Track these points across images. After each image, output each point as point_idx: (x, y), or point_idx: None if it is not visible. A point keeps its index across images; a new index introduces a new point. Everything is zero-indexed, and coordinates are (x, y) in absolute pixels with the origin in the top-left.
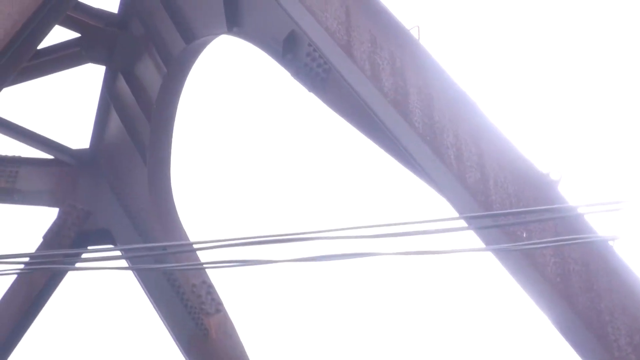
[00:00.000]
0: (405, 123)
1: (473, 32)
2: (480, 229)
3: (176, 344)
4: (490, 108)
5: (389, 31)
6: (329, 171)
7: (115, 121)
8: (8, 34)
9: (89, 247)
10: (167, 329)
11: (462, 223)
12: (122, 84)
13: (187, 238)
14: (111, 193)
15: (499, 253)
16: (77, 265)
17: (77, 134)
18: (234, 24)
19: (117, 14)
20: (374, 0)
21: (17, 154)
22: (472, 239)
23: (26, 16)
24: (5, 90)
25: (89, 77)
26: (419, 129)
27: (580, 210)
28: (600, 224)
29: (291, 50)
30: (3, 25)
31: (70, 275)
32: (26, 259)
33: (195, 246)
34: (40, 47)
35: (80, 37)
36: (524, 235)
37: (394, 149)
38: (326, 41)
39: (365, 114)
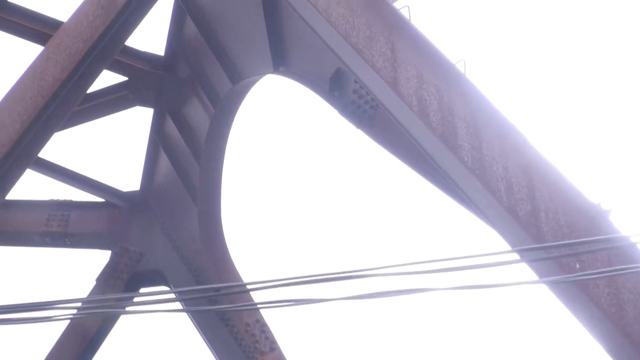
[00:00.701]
0: (454, 157)
1: (517, 63)
2: (533, 262)
3: None
4: (538, 139)
5: (434, 66)
6: (380, 208)
7: (164, 162)
8: (57, 80)
9: (142, 289)
10: None
11: (515, 256)
12: (170, 126)
13: (239, 278)
14: (163, 234)
15: (552, 285)
16: (131, 308)
17: (128, 176)
18: (280, 63)
19: (164, 56)
20: (419, 36)
21: (68, 198)
22: (525, 271)
23: (74, 62)
24: (56, 134)
25: (138, 120)
26: (468, 162)
27: (633, 240)
28: None
29: (338, 87)
30: (52, 72)
31: (123, 318)
32: (79, 304)
33: (248, 286)
34: (89, 91)
35: (127, 80)
36: (577, 266)
37: (444, 183)
38: (373, 78)
39: (413, 149)
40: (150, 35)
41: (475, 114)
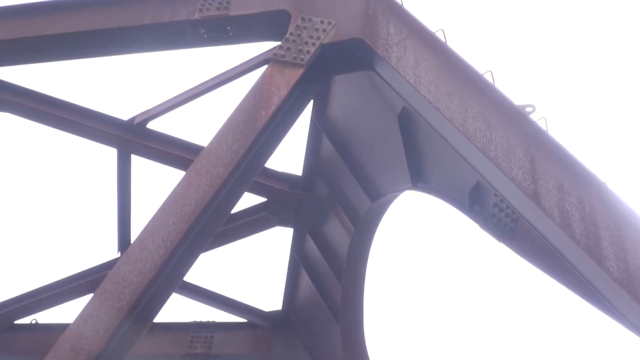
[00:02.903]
0: (600, 269)
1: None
2: None
3: None
4: None
5: (575, 176)
6: (522, 320)
7: (305, 281)
8: (199, 205)
9: None
10: None
11: None
12: (310, 245)
13: None
14: (306, 353)
15: None
16: None
17: (269, 296)
18: (419, 179)
19: (302, 176)
20: (558, 148)
21: (211, 319)
22: None
23: (215, 187)
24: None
25: (278, 240)
26: (614, 273)
27: None
28: None
29: (478, 201)
30: (193, 197)
31: None
32: None
33: None
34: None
35: (267, 201)
36: None
37: (590, 295)
38: (513, 191)
39: (557, 261)
40: (288, 155)
41: (619, 223)
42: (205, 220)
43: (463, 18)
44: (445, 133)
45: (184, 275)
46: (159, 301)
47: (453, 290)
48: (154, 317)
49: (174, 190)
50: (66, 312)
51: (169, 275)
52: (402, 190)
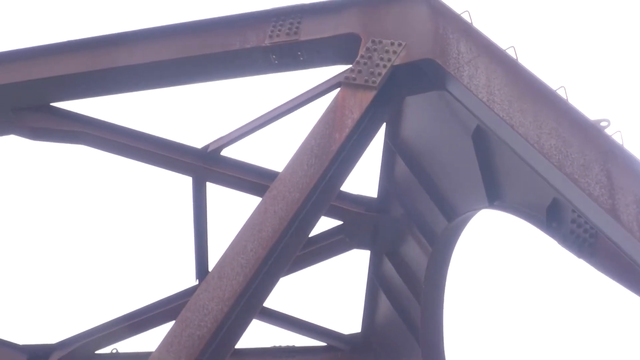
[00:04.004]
0: None
1: None
2: None
3: None
4: None
5: None
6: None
7: (384, 303)
8: (276, 230)
9: None
10: None
11: None
12: (388, 266)
13: None
14: None
15: None
16: None
17: (348, 319)
18: (495, 197)
19: (377, 198)
20: (634, 162)
21: (291, 344)
22: None
23: (292, 212)
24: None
25: (354, 262)
26: None
27: None
28: None
29: (555, 218)
30: (270, 223)
31: None
32: None
33: None
34: None
35: (343, 224)
36: None
37: None
38: (590, 206)
39: (638, 275)
40: (363, 178)
41: None
42: (283, 246)
43: (533, 34)
44: (520, 150)
45: (263, 301)
46: (240, 328)
47: (534, 308)
48: (235, 344)
49: (250, 216)
50: (145, 341)
51: (248, 301)
52: (478, 209)
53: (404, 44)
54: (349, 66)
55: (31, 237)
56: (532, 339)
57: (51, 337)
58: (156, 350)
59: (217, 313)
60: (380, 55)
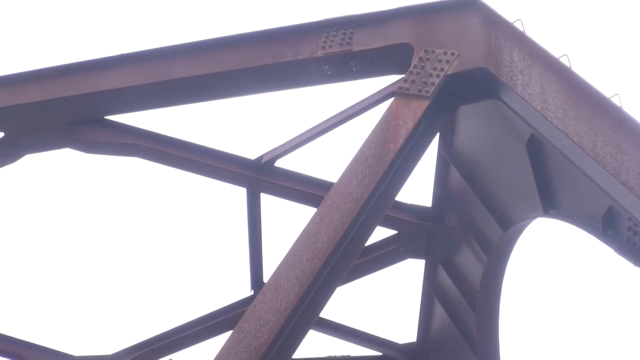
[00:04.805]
0: None
1: None
2: None
3: None
4: None
5: None
6: None
7: (439, 312)
8: (332, 241)
9: None
10: None
11: None
12: (443, 276)
13: None
14: None
15: None
16: None
17: (403, 329)
18: (550, 206)
19: (431, 207)
20: None
21: (345, 354)
22: None
23: (347, 223)
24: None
25: (409, 271)
26: None
27: None
28: None
29: (611, 226)
30: (326, 233)
31: None
32: None
33: None
34: None
35: (397, 233)
36: None
37: None
38: None
39: None
40: (416, 187)
41: None
42: (338, 256)
43: (586, 42)
44: (575, 158)
45: (320, 311)
46: (296, 338)
47: (590, 316)
48: (292, 354)
49: (306, 227)
50: (201, 352)
51: (305, 312)
52: (533, 218)
53: (456, 53)
54: (402, 76)
55: (88, 249)
56: (589, 348)
57: (107, 348)
58: None
59: (274, 324)
60: (433, 65)
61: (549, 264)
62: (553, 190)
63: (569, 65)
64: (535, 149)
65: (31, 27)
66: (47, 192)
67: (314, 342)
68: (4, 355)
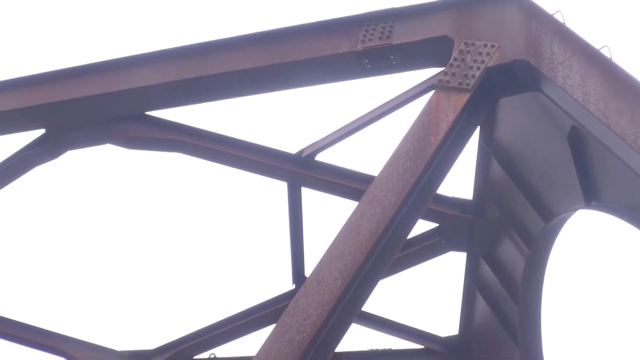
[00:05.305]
0: None
1: None
2: None
3: None
4: None
5: None
6: None
7: (481, 305)
8: (374, 234)
9: None
10: None
11: None
12: (484, 268)
13: None
14: None
15: None
16: None
17: (445, 322)
18: (592, 197)
19: (472, 200)
20: None
21: (387, 347)
22: None
23: (388, 216)
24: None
25: (450, 264)
26: None
27: None
28: None
29: None
30: (367, 227)
31: None
32: None
33: None
34: None
35: (438, 226)
36: None
37: None
38: None
39: None
40: (457, 180)
41: None
42: (380, 250)
43: (627, 33)
44: (617, 150)
45: (362, 305)
46: (339, 332)
47: (634, 310)
48: (334, 348)
49: (347, 221)
50: (243, 346)
51: (347, 305)
52: (575, 210)
53: (497, 45)
54: (442, 69)
55: (129, 243)
56: (633, 342)
57: (149, 342)
58: (256, 356)
59: (317, 317)
60: (474, 58)
61: (592, 256)
62: (595, 181)
63: (609, 57)
64: (577, 140)
65: (71, 24)
66: (88, 188)
67: (356, 335)
68: (49, 352)
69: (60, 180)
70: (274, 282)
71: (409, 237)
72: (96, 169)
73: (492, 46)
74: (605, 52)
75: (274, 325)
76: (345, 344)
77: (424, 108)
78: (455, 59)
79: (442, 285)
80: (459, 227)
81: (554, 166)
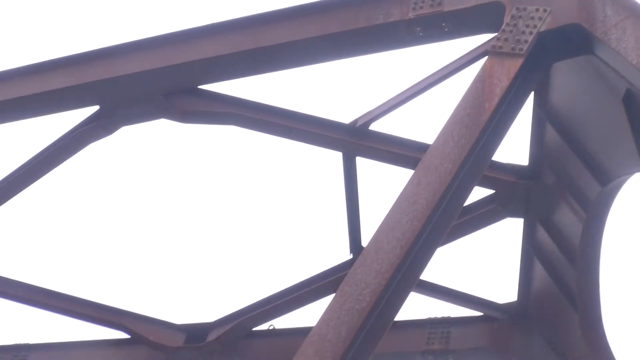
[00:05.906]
0: None
1: None
2: None
3: None
4: None
5: None
6: None
7: (539, 271)
8: (430, 202)
9: None
10: None
11: None
12: (542, 234)
13: None
14: (544, 344)
15: None
16: None
17: (503, 288)
18: None
19: (527, 166)
20: None
21: (446, 315)
22: None
23: (445, 184)
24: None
25: (507, 231)
26: None
27: None
28: None
29: None
30: (424, 195)
31: None
32: None
33: None
34: None
35: (495, 193)
36: None
37: None
38: None
39: None
40: (513, 146)
41: None
42: (437, 217)
43: None
44: None
45: (420, 273)
46: (398, 301)
47: None
48: (394, 316)
49: (404, 189)
50: (301, 317)
51: (406, 274)
52: (632, 173)
53: (549, 9)
54: (494, 35)
55: (187, 216)
56: None
57: (209, 315)
58: (316, 326)
59: (376, 286)
60: (526, 22)
61: None
62: None
63: None
64: (632, 103)
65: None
66: (143, 164)
67: (414, 303)
68: (108, 326)
69: (117, 157)
70: (331, 253)
71: (466, 204)
72: (152, 145)
73: (544, 10)
74: None
75: (332, 296)
76: (404, 313)
77: (477, 74)
78: (507, 25)
79: (500, 252)
80: (515, 193)
81: (609, 129)
